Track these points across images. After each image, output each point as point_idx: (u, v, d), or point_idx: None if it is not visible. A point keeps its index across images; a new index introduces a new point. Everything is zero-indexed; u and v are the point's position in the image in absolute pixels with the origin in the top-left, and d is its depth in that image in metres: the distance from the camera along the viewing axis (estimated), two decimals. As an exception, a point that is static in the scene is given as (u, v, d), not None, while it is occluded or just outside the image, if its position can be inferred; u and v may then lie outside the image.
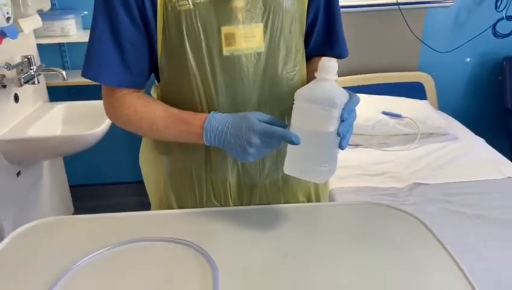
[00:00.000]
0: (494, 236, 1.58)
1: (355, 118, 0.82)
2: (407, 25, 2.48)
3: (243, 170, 0.97)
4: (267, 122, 0.81)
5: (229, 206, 1.00)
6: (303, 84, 0.86)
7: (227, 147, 0.83)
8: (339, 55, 1.02)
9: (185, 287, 0.74)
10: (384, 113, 2.33)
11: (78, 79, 2.30)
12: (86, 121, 2.03)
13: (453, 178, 1.96)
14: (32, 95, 2.08)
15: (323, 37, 0.99)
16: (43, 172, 2.16)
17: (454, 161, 2.11)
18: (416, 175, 2.00)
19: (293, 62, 0.92)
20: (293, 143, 0.78)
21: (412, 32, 2.53)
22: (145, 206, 1.00)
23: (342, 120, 0.78)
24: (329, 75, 0.79)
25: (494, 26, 2.57)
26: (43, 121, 1.99)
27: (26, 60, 1.92)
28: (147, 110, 0.90)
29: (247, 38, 0.86)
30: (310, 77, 0.94)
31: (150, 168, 1.05)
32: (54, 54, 2.46)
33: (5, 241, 0.87)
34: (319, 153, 0.81)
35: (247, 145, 0.79)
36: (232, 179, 0.98)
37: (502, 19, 2.54)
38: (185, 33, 0.85)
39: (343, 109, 0.78)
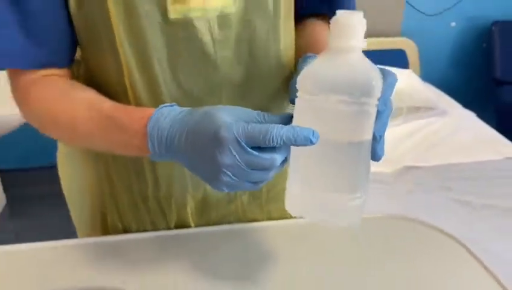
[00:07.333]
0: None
1: (391, 109, 0.49)
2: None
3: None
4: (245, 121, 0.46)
5: (189, 227, 0.69)
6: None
7: (189, 166, 0.49)
8: None
9: None
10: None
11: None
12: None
13: (447, 159, 1.75)
14: None
15: None
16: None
17: (446, 139, 1.88)
18: (406, 157, 1.75)
19: (284, 25, 0.59)
20: (303, 144, 0.44)
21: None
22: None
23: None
24: (354, 40, 0.45)
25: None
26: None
27: None
28: (61, 106, 0.56)
29: None
30: (304, 47, 0.62)
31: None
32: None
33: None
34: (346, 175, 0.47)
35: (217, 167, 0.45)
36: (191, 197, 0.67)
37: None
38: None
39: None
